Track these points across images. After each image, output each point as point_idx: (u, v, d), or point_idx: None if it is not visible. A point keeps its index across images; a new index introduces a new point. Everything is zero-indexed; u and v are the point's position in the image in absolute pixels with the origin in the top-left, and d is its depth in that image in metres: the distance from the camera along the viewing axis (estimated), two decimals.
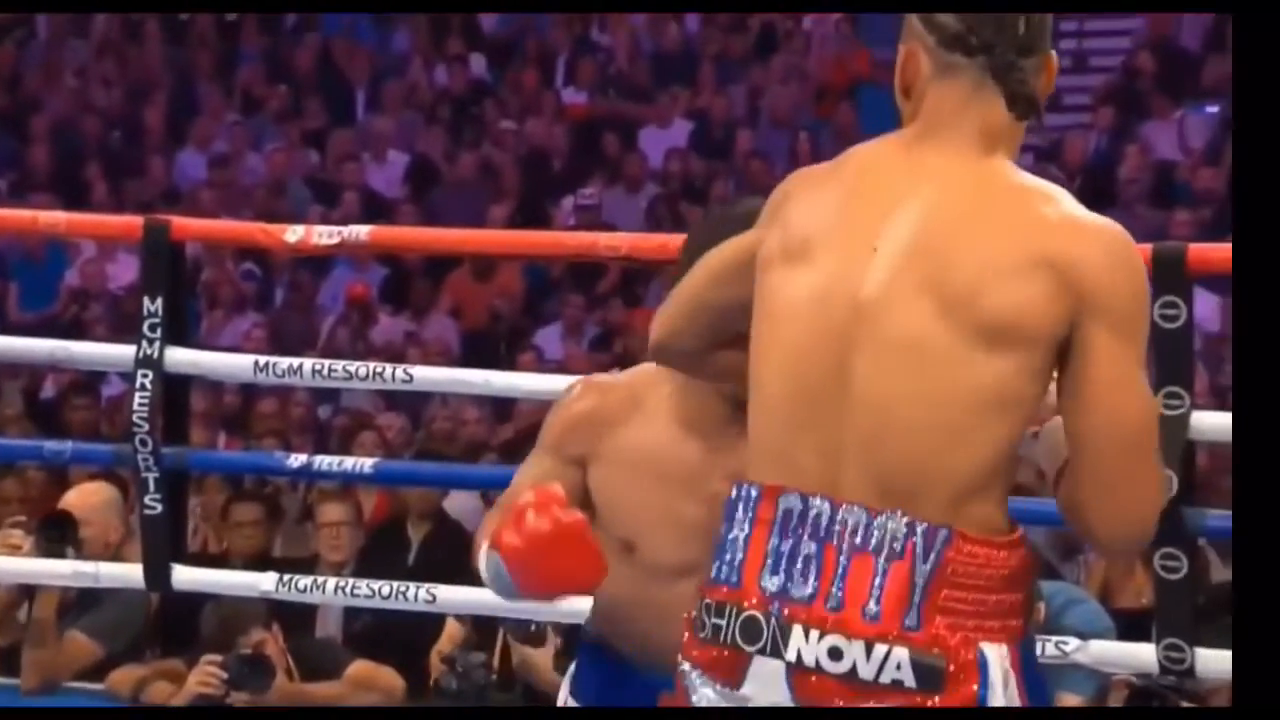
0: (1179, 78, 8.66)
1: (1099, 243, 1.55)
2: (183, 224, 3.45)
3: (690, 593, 1.67)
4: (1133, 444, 1.53)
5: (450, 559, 4.17)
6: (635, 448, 1.93)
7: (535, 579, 1.75)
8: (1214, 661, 2.69)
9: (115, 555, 3.67)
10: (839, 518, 1.52)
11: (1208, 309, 6.59)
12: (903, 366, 1.53)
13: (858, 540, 1.51)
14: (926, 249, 1.55)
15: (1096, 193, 8.02)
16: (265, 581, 3.31)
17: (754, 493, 1.57)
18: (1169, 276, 2.73)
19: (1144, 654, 2.71)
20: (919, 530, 1.50)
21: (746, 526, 1.56)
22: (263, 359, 3.40)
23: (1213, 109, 8.55)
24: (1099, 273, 1.54)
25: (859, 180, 1.61)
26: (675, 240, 3.20)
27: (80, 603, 3.74)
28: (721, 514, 1.62)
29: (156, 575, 3.33)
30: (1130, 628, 3.23)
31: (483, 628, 3.71)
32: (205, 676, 3.48)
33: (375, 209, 8.42)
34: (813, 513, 1.53)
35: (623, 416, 1.95)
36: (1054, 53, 1.71)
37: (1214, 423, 2.78)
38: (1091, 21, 9.58)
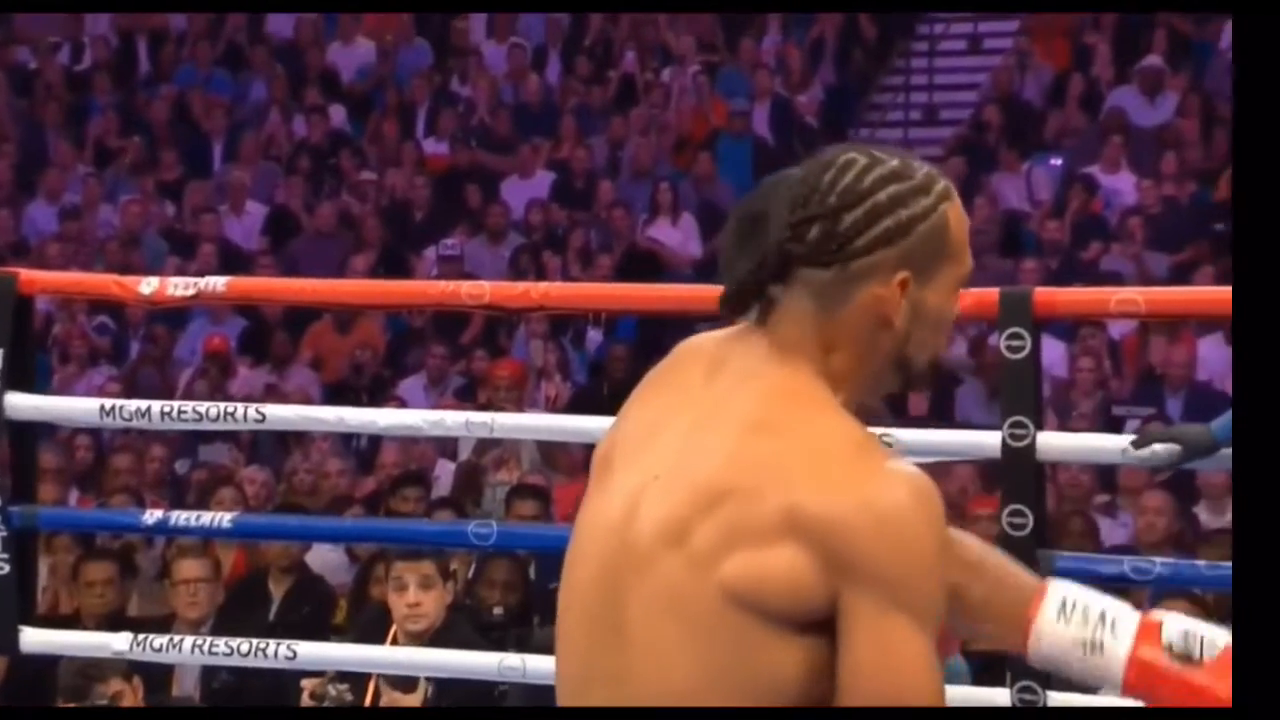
0: (1023, 131, 8.90)
1: (863, 505, 1.35)
2: (31, 276, 3.36)
3: None
4: None
5: (313, 614, 4.11)
6: None
7: None
8: (1064, 703, 2.74)
9: None
10: None
11: (1055, 355, 6.75)
12: (664, 620, 1.38)
13: None
14: (691, 491, 1.39)
15: None
16: (118, 641, 3.22)
17: None
18: (1015, 315, 2.79)
19: (998, 698, 2.75)
20: None
21: None
22: (109, 402, 3.30)
23: (1056, 161, 8.80)
24: (860, 540, 1.34)
25: (661, 392, 1.48)
26: (538, 288, 3.20)
27: None
28: None
29: (4, 638, 3.22)
30: (986, 669, 3.28)
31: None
32: None
33: (233, 261, 8.30)
34: None
35: None
36: (903, 274, 1.44)
37: (1060, 444, 2.85)
38: (941, 75, 9.82)
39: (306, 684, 3.51)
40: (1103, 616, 1.51)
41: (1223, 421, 2.65)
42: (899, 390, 1.50)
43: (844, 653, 1.34)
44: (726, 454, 1.39)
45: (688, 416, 1.44)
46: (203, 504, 5.12)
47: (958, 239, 1.46)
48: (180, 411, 3.23)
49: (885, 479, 1.36)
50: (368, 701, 3.60)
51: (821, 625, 1.35)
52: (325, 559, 5.12)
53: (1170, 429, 2.64)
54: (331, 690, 3.46)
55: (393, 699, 3.50)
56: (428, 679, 3.45)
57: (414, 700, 3.45)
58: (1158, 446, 2.70)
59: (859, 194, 1.42)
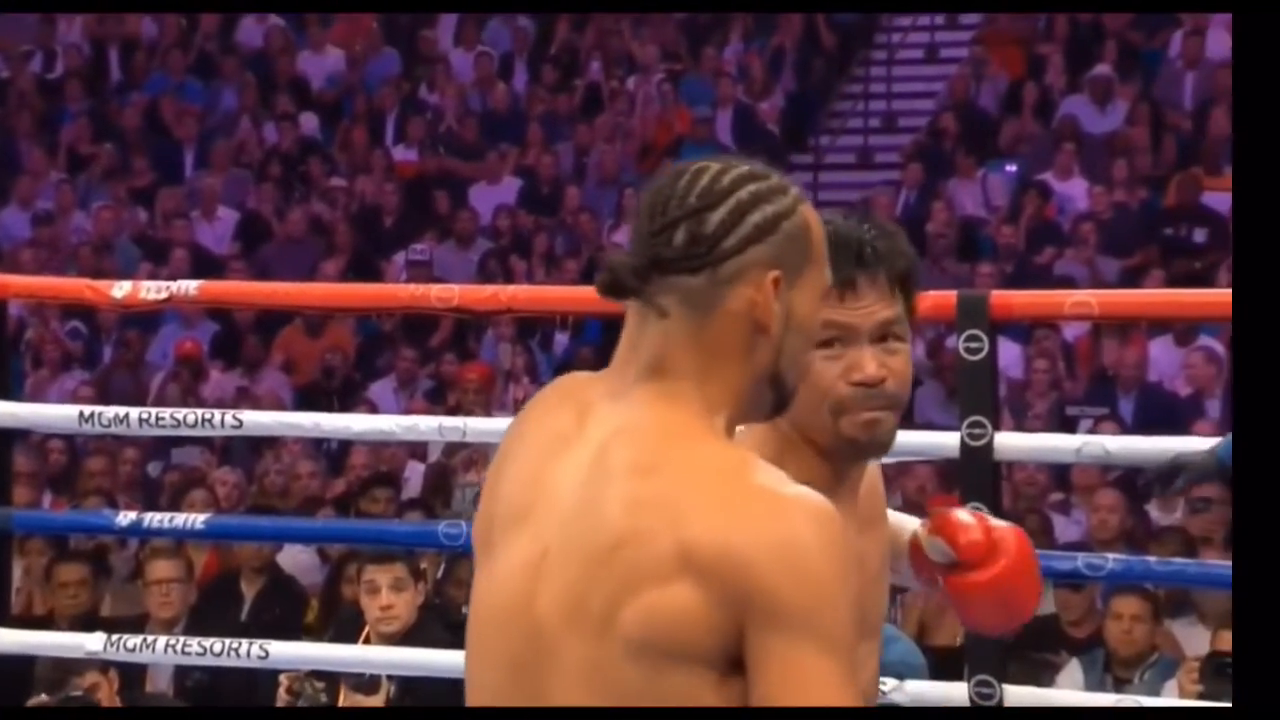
0: (979, 138, 8.95)
1: (758, 536, 1.27)
2: (4, 281, 3.35)
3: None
4: None
5: (285, 614, 4.10)
6: None
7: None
8: (1021, 698, 2.76)
9: None
10: None
11: (1010, 356, 6.79)
12: (585, 698, 1.29)
13: None
14: (584, 557, 1.30)
15: None
16: (92, 642, 3.21)
17: None
18: (972, 318, 2.81)
19: (956, 692, 2.77)
20: None
21: None
22: (88, 409, 3.30)
23: (1011, 168, 8.85)
24: (758, 573, 1.26)
25: (534, 446, 1.36)
26: (506, 292, 3.20)
27: None
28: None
29: None
30: (945, 664, 3.30)
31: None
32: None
33: (205, 266, 8.25)
34: None
35: None
36: (773, 274, 1.35)
37: (1016, 444, 2.88)
38: (899, 84, 9.86)
39: (284, 678, 3.50)
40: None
41: (1226, 443, 2.59)
42: (769, 415, 1.40)
43: (754, 687, 1.27)
44: (614, 507, 1.30)
45: (568, 473, 1.33)
46: (175, 506, 5.09)
47: (819, 242, 1.39)
48: (158, 418, 3.23)
49: (779, 507, 1.28)
50: (340, 702, 3.59)
51: (735, 661, 1.28)
52: (297, 559, 5.10)
53: (1177, 458, 2.52)
54: (308, 688, 3.45)
55: (354, 701, 3.49)
56: (390, 679, 3.44)
57: (377, 701, 3.44)
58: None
59: (720, 193, 1.35)
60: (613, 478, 1.31)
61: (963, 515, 1.71)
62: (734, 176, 1.37)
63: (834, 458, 1.62)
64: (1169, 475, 2.50)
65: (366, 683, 3.37)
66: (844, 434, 1.60)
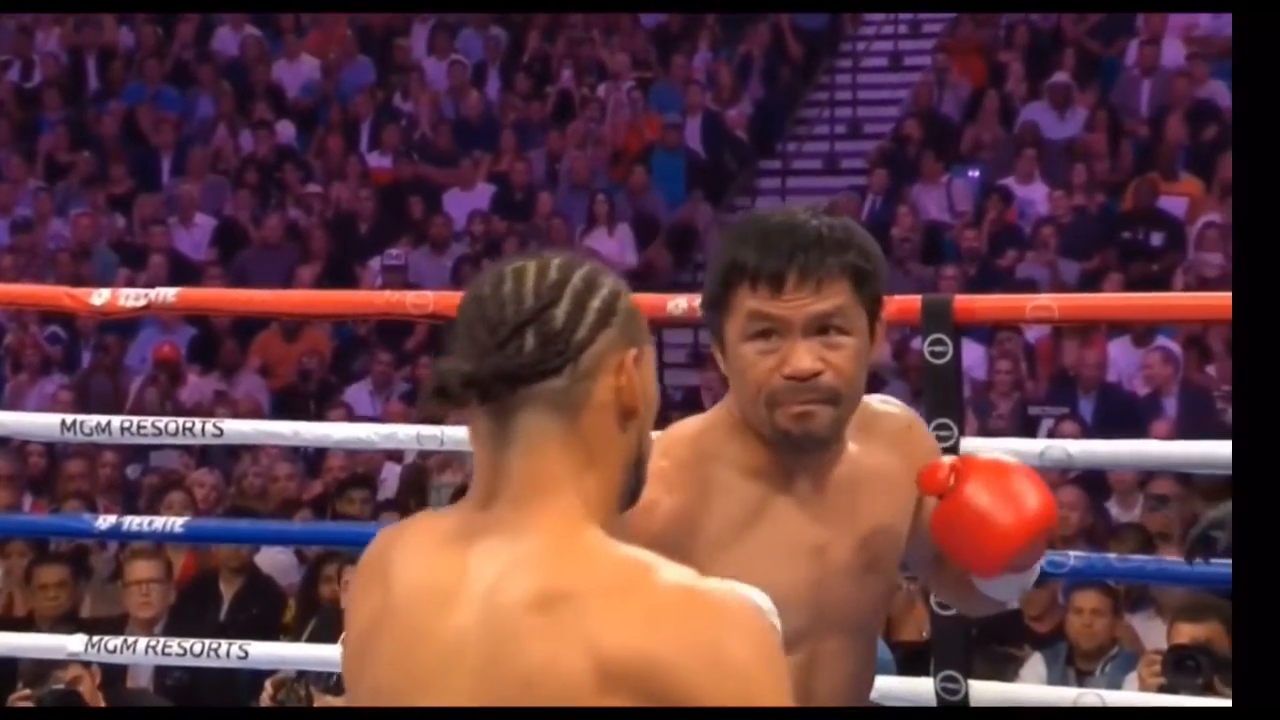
0: (942, 144, 8.98)
1: (679, 637, 1.18)
2: None
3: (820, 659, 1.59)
4: None
5: (263, 614, 4.08)
6: (728, 485, 1.61)
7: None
8: (985, 691, 2.77)
9: None
10: None
11: (974, 358, 6.82)
12: None
13: None
14: (501, 700, 1.20)
15: None
16: (74, 643, 3.19)
17: None
18: (936, 321, 2.82)
19: (923, 687, 2.77)
20: None
21: None
22: (70, 417, 3.28)
23: (974, 173, 8.89)
24: (684, 677, 1.18)
25: (417, 605, 1.24)
26: None
27: None
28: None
29: None
30: (911, 660, 3.31)
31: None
32: (17, 709, 3.37)
33: (183, 272, 8.22)
34: None
35: (711, 462, 1.61)
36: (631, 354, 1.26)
37: (980, 446, 2.88)
38: (864, 91, 9.88)
39: (270, 684, 3.49)
40: None
41: None
42: (630, 504, 1.29)
43: None
44: (520, 646, 1.20)
45: (464, 627, 1.21)
46: (154, 508, 5.06)
47: (643, 318, 1.30)
48: (140, 426, 3.20)
49: (693, 605, 1.19)
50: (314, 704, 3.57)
51: None
52: (274, 560, 5.08)
53: (1208, 519, 2.29)
54: (294, 693, 3.44)
55: (324, 702, 3.47)
56: None
57: (345, 701, 3.41)
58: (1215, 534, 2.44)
59: (553, 286, 1.25)
60: (515, 617, 1.20)
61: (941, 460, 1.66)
62: (558, 267, 1.26)
63: (777, 448, 1.60)
64: (1207, 539, 2.25)
65: (336, 685, 3.35)
66: (778, 426, 1.57)
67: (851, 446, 1.65)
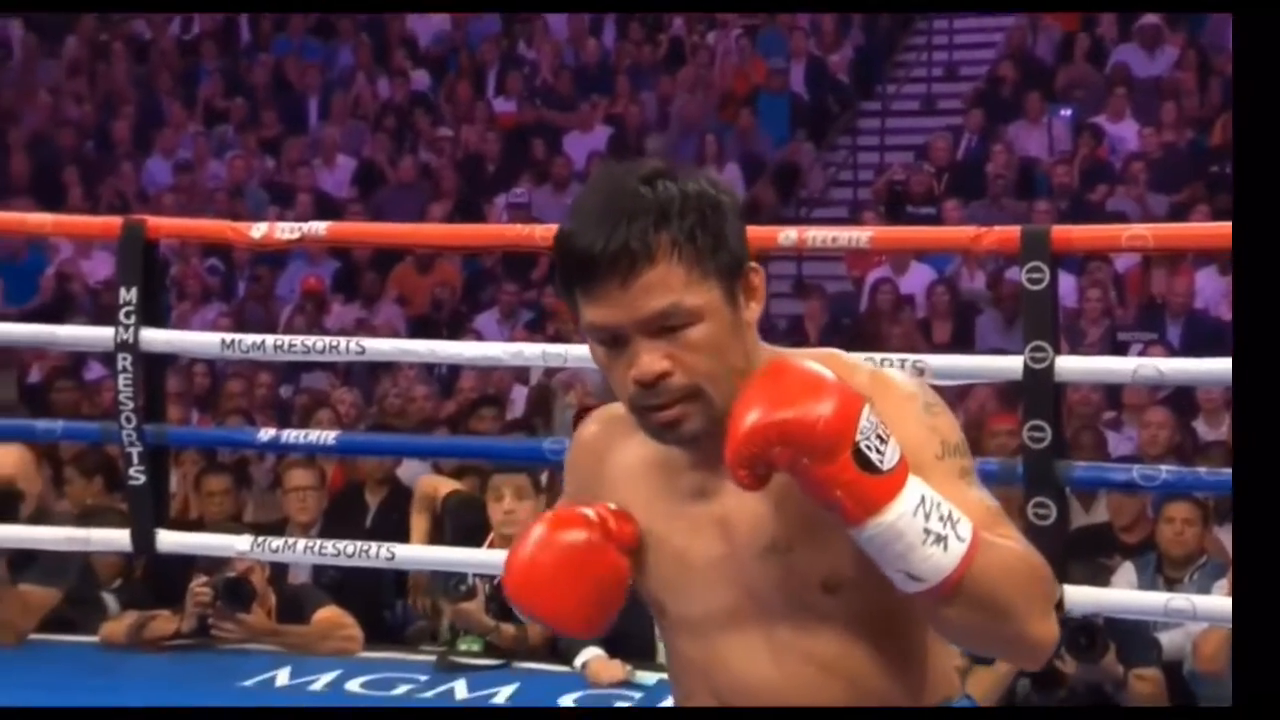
0: (1036, 84, 8.78)
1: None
2: (157, 222, 3.41)
3: (736, 649, 1.37)
4: None
5: (404, 521, 4.16)
6: (627, 466, 1.43)
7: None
8: (1079, 595, 2.75)
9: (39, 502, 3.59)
10: None
11: (1065, 287, 6.69)
12: None
13: None
14: None
15: (969, 187, 8.13)
16: (241, 543, 3.30)
17: None
18: (1035, 250, 2.78)
19: None
20: None
21: None
22: (229, 336, 3.38)
23: (1066, 112, 8.69)
24: None
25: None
26: None
27: (15, 564, 3.55)
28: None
29: (143, 540, 3.29)
30: None
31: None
32: (197, 593, 3.48)
33: (326, 209, 8.33)
34: None
35: (619, 439, 1.44)
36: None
37: (1076, 366, 2.87)
38: (960, 35, 9.68)
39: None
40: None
41: None
42: None
43: None
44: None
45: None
46: (305, 424, 5.17)
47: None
48: (290, 344, 3.28)
49: None
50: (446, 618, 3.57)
51: None
52: (414, 472, 5.17)
53: None
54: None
55: (456, 609, 3.47)
56: (482, 580, 3.44)
57: (477, 605, 3.45)
58: None
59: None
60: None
61: None
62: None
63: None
64: None
65: (464, 593, 3.40)
66: (650, 432, 1.35)
67: None
